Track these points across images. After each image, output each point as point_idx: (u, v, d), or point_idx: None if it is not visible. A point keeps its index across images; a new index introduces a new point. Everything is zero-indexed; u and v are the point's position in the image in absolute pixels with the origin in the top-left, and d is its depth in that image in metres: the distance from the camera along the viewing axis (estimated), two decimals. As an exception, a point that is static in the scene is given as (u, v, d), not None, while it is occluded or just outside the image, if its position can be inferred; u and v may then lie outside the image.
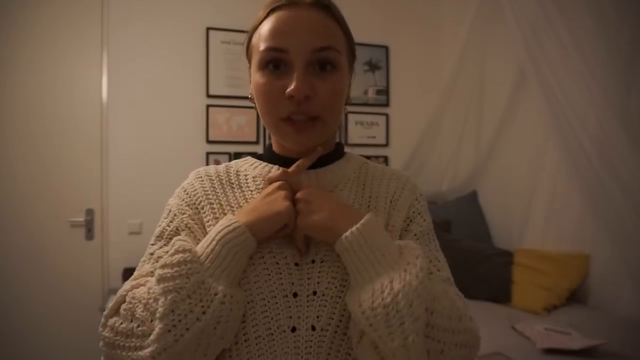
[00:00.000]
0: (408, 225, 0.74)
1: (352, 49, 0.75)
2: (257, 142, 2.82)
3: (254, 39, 0.71)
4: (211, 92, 2.73)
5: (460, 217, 2.75)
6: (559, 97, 2.07)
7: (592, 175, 1.98)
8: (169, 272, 0.60)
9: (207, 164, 2.71)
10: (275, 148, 0.79)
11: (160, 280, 0.60)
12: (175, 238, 0.66)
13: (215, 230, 0.64)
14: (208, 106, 2.73)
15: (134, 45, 2.60)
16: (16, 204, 2.42)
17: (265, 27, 0.68)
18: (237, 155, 2.78)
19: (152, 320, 0.59)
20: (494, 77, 2.80)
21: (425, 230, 0.74)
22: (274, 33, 0.67)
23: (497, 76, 2.76)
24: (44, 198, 2.46)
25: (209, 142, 2.73)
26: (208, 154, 2.73)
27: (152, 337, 0.58)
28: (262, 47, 0.68)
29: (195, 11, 2.73)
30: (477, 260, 2.37)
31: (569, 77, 2.03)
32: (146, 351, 0.58)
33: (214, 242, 0.63)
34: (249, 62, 0.75)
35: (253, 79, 0.71)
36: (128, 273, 2.46)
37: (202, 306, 0.58)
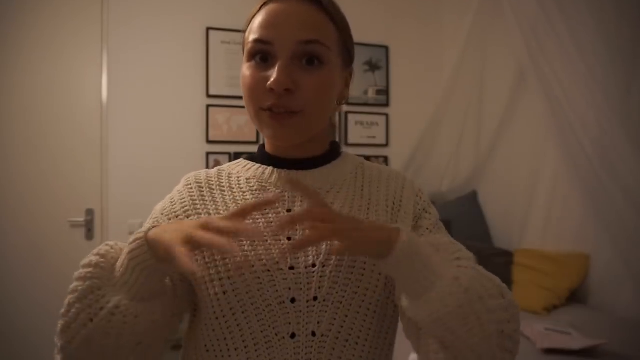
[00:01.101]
0: (417, 222, 0.74)
1: (348, 47, 0.73)
2: (257, 142, 2.82)
3: (246, 34, 0.71)
4: (211, 92, 2.73)
5: (460, 217, 2.75)
6: (559, 97, 2.07)
7: (592, 176, 1.98)
8: (77, 272, 0.61)
9: (207, 164, 2.71)
10: (268, 148, 0.77)
11: (74, 277, 0.61)
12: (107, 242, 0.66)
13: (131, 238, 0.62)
14: (208, 106, 2.73)
15: (133, 45, 2.60)
16: (16, 204, 2.42)
17: (256, 21, 0.68)
18: (237, 155, 2.78)
19: None
20: (494, 76, 2.80)
21: (435, 221, 0.75)
22: (262, 25, 0.67)
23: (497, 76, 2.76)
24: (44, 198, 2.46)
25: (209, 142, 2.73)
26: (208, 154, 2.73)
27: (57, 328, 0.60)
28: (250, 39, 0.68)
29: (195, 11, 2.73)
30: (477, 260, 2.37)
31: (569, 77, 2.03)
32: (56, 340, 0.60)
33: (124, 252, 0.61)
34: (243, 54, 0.74)
35: (241, 72, 0.71)
36: (128, 273, 2.46)
37: (89, 313, 0.58)
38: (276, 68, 0.64)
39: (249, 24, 0.72)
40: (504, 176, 2.74)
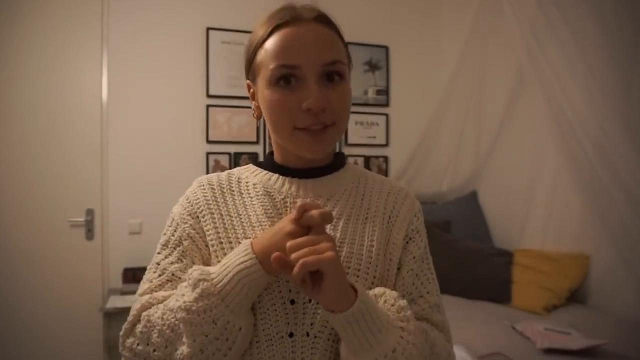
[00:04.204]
0: (407, 243, 0.77)
1: (349, 54, 0.78)
2: (257, 142, 2.82)
3: (260, 56, 0.72)
4: (211, 92, 2.73)
5: (460, 217, 2.75)
6: (559, 97, 2.07)
7: (592, 176, 1.98)
8: (195, 319, 0.62)
9: (207, 164, 2.71)
10: (276, 157, 0.80)
11: (187, 323, 0.62)
12: (193, 272, 0.65)
13: (233, 263, 0.64)
14: (208, 106, 2.73)
15: (134, 45, 2.61)
16: (16, 204, 2.42)
17: (273, 45, 0.70)
18: (237, 155, 2.78)
19: (166, 347, 0.65)
20: (494, 77, 2.80)
21: (423, 252, 0.77)
22: (284, 50, 0.69)
23: (497, 76, 2.75)
24: (44, 198, 2.46)
25: (209, 142, 2.73)
26: (208, 154, 2.73)
27: None
28: (272, 64, 0.69)
29: (195, 11, 2.73)
30: (477, 260, 2.37)
31: (569, 77, 2.03)
32: None
33: (233, 280, 0.63)
34: (252, 77, 0.76)
35: (263, 95, 0.72)
36: (128, 273, 2.46)
37: (228, 342, 0.63)
38: (310, 90, 0.68)
39: (259, 47, 0.72)
40: (504, 176, 2.74)
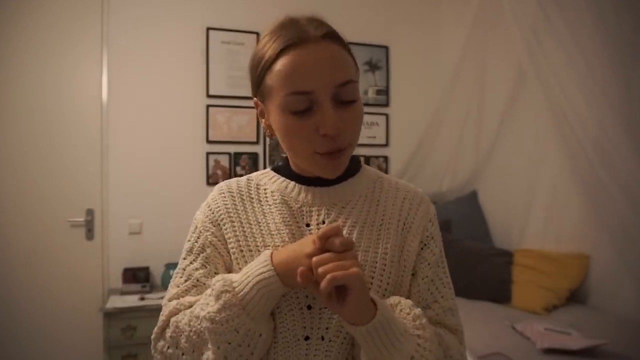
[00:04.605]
0: (422, 249, 0.77)
1: (357, 66, 0.76)
2: (257, 142, 2.82)
3: (269, 80, 0.69)
4: (211, 92, 2.73)
5: (460, 217, 2.75)
6: (559, 97, 2.07)
7: (592, 176, 1.98)
8: (219, 328, 0.65)
9: (207, 163, 2.71)
10: (292, 165, 0.80)
11: (212, 332, 0.66)
12: (217, 282, 0.68)
13: (253, 273, 0.67)
14: (208, 106, 2.73)
15: (134, 45, 2.61)
16: (16, 203, 2.42)
17: (282, 69, 0.67)
18: (237, 155, 2.77)
19: (193, 351, 0.69)
20: (494, 77, 2.80)
21: (438, 257, 0.78)
22: (296, 76, 0.66)
23: (497, 76, 2.76)
24: (44, 198, 2.46)
25: (209, 142, 2.73)
26: (208, 154, 2.73)
27: None
28: (284, 91, 0.67)
29: (195, 11, 2.73)
30: (477, 260, 2.37)
31: (569, 77, 2.03)
32: None
33: (253, 290, 0.66)
34: (261, 98, 0.74)
35: (276, 120, 0.70)
36: (128, 273, 2.46)
37: (250, 347, 0.67)
38: (326, 114, 0.66)
39: (267, 69, 0.70)
40: (504, 176, 2.74)
